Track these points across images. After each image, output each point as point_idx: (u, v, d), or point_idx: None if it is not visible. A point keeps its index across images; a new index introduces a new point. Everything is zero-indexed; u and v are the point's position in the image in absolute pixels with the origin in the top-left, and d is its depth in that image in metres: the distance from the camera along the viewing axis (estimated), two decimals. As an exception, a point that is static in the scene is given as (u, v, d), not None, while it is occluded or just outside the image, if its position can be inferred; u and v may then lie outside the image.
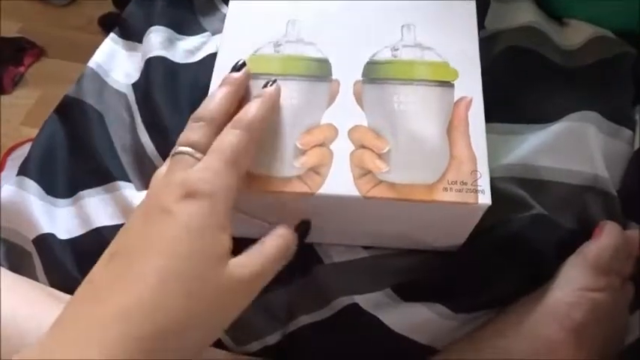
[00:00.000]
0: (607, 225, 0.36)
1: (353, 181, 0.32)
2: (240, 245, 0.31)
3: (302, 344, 0.37)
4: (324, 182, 0.32)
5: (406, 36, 0.36)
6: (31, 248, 0.40)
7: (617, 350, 0.36)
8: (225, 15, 0.46)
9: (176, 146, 0.31)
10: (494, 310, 0.36)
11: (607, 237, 0.35)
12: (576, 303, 0.34)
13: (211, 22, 0.47)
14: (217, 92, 0.33)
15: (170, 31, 0.46)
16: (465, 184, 0.32)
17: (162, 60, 0.43)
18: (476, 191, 0.31)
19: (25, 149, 0.44)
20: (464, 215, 0.33)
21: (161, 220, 0.27)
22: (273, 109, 0.33)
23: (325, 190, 0.32)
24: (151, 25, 0.45)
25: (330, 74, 0.35)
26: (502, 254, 0.35)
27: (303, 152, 0.33)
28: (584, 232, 0.36)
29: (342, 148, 0.33)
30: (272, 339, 0.38)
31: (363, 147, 0.33)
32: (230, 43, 0.37)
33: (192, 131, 0.31)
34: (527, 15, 0.43)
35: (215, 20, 0.47)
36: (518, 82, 0.41)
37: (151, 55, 0.44)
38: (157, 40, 0.44)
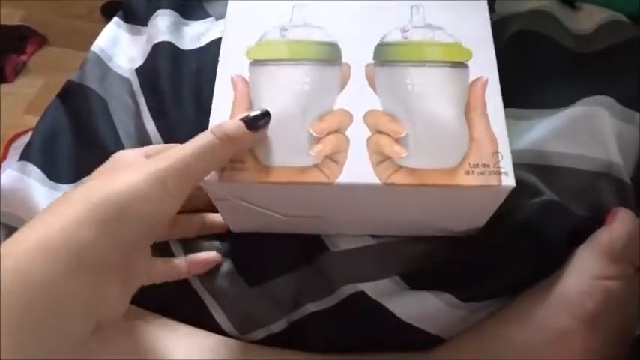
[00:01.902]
0: (620, 212, 0.35)
1: (372, 169, 0.31)
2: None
3: (307, 332, 0.37)
4: (343, 170, 0.31)
5: (415, 16, 0.35)
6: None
7: (629, 340, 0.35)
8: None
9: None
10: (504, 298, 0.36)
11: (620, 224, 0.34)
12: (588, 292, 0.33)
13: (214, 6, 0.46)
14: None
15: (175, 14, 0.45)
16: (487, 166, 0.31)
17: (168, 46, 0.43)
18: (499, 173, 0.31)
19: (28, 138, 0.43)
20: (487, 198, 0.32)
21: None
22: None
23: (344, 179, 0.31)
24: (157, 9, 0.45)
25: (341, 58, 0.34)
26: (512, 242, 0.35)
27: (318, 140, 0.32)
28: (597, 220, 0.35)
29: (357, 133, 0.32)
30: (277, 327, 0.37)
31: (380, 132, 0.32)
32: (234, 29, 0.36)
33: None
34: None
35: (218, 5, 0.47)
36: (528, 67, 0.40)
37: (158, 41, 0.43)
38: (163, 25, 0.44)
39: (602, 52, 0.41)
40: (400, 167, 0.31)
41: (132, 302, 0.37)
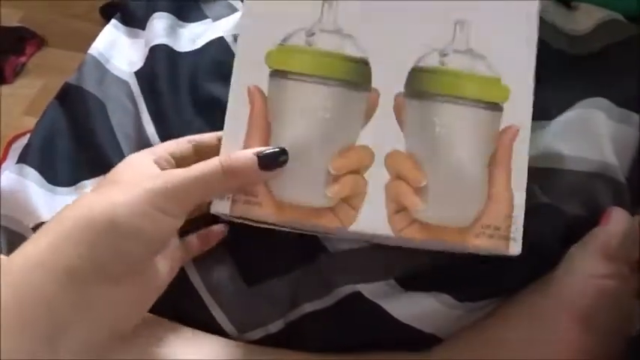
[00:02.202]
0: (615, 211, 0.35)
1: (387, 218, 0.30)
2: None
3: (305, 333, 0.37)
4: (357, 217, 0.30)
5: (458, 36, 0.32)
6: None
7: (626, 339, 0.35)
8: (227, 2, 0.46)
9: None
10: (500, 298, 0.36)
11: (615, 223, 0.34)
12: (584, 290, 0.33)
13: (212, 7, 0.46)
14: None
15: (172, 17, 0.45)
16: (498, 229, 0.30)
17: (165, 48, 0.43)
18: (508, 239, 0.30)
19: (27, 140, 0.43)
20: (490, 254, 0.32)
21: None
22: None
23: (358, 228, 0.30)
24: (154, 11, 0.45)
25: (370, 82, 0.31)
26: None
27: (335, 179, 0.31)
28: (592, 220, 0.35)
29: (377, 176, 0.31)
30: (274, 327, 0.37)
31: (399, 177, 0.31)
32: (252, 27, 0.32)
33: None
34: None
35: (216, 6, 0.46)
36: None
37: (155, 43, 0.43)
38: (160, 27, 0.44)
39: (598, 52, 0.41)
40: (414, 220, 0.31)
41: None
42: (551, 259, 0.35)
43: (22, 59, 1.22)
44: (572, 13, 0.43)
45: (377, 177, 0.31)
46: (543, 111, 0.38)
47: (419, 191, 0.31)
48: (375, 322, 0.36)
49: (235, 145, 0.31)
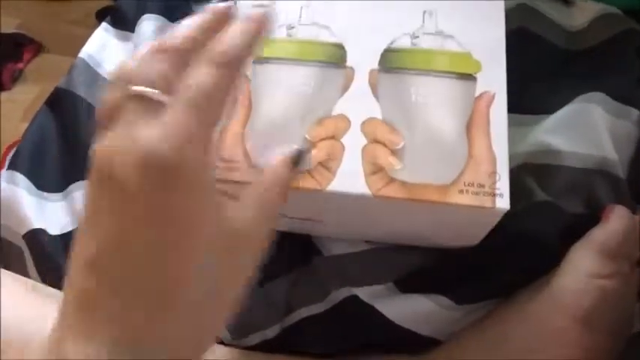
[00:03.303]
0: (615, 209, 0.34)
1: (364, 178, 0.31)
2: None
3: (302, 337, 0.37)
4: (334, 178, 0.31)
5: (427, 22, 0.34)
6: (22, 244, 0.39)
7: (626, 338, 0.35)
8: (217, 2, 0.45)
9: (124, 83, 0.23)
10: (499, 299, 0.36)
11: (615, 221, 0.34)
12: (584, 290, 0.33)
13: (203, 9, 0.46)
14: (190, 20, 0.25)
15: (162, 19, 0.45)
16: (483, 186, 0.30)
17: None
18: (494, 195, 0.30)
19: (23, 146, 0.43)
20: (480, 218, 0.31)
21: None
22: (260, 40, 0.25)
23: (334, 187, 0.31)
24: (144, 14, 0.44)
25: (345, 61, 0.33)
26: (505, 244, 0.34)
27: (312, 145, 0.32)
28: (592, 217, 0.35)
29: (353, 141, 0.31)
30: (271, 332, 0.37)
31: (376, 141, 0.32)
32: None
33: (152, 64, 0.23)
34: None
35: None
36: (519, 70, 0.39)
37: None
38: (149, 29, 0.43)
39: (595, 47, 0.40)
40: (393, 180, 0.31)
41: None
42: (549, 259, 0.34)
43: (20, 65, 1.22)
44: (569, 8, 0.43)
45: (354, 141, 0.32)
46: (540, 106, 0.37)
47: (396, 153, 0.31)
48: (372, 325, 0.35)
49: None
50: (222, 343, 0.37)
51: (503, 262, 0.34)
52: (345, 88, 0.33)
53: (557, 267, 0.34)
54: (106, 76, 0.44)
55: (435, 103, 0.32)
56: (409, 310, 0.35)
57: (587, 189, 0.35)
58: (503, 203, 0.30)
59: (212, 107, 0.23)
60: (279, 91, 0.33)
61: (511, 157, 0.35)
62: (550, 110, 0.38)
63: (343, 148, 0.31)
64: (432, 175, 0.31)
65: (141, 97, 0.22)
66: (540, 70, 0.39)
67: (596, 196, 0.35)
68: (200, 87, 0.23)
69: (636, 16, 0.41)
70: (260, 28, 0.26)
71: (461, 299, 0.35)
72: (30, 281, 0.39)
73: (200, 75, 0.23)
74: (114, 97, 0.23)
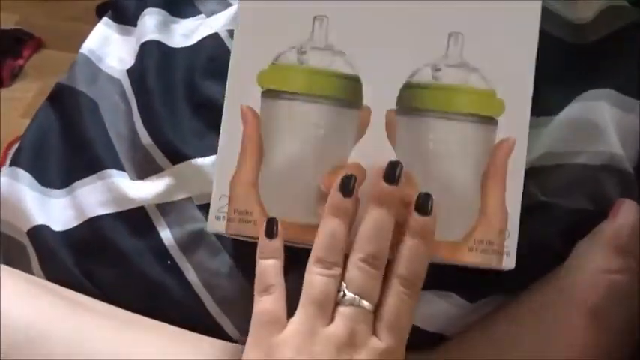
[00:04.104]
0: (624, 204, 0.34)
1: None
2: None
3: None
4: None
5: (452, 49, 0.31)
6: (26, 240, 0.39)
7: (637, 334, 0.34)
8: None
9: (347, 291, 0.29)
10: (507, 296, 0.35)
11: (624, 216, 0.33)
12: (593, 286, 0.32)
13: (205, 3, 0.45)
14: (377, 223, 0.29)
15: (164, 12, 0.44)
16: (492, 243, 0.30)
17: (156, 44, 0.42)
18: (501, 253, 0.30)
19: (23, 143, 0.43)
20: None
21: None
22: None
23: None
24: (145, 8, 0.44)
25: (361, 99, 0.31)
26: None
27: (327, 196, 0.30)
28: (601, 213, 0.34)
29: (368, 193, 0.30)
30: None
31: None
32: (245, 44, 0.32)
33: (369, 277, 0.29)
34: None
35: (209, 1, 0.46)
36: None
37: (146, 40, 0.42)
38: (151, 23, 0.43)
39: (600, 40, 0.39)
40: None
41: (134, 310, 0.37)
42: (555, 256, 0.34)
43: (20, 62, 1.21)
44: (574, 2, 0.42)
45: (368, 193, 0.30)
46: (544, 106, 0.36)
47: (409, 206, 0.30)
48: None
49: (230, 164, 0.32)
50: (229, 339, 0.37)
51: None
52: (362, 131, 0.31)
53: (566, 263, 0.34)
54: (107, 70, 0.44)
55: (453, 152, 0.31)
56: (418, 307, 0.34)
57: (593, 185, 0.35)
58: (510, 262, 0.30)
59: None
60: (291, 134, 0.31)
61: None
62: (556, 111, 0.37)
63: (358, 201, 0.30)
64: (444, 232, 0.30)
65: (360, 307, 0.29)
66: (546, 67, 0.38)
67: (603, 192, 0.35)
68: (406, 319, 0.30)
69: (641, 6, 0.41)
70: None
71: (468, 295, 0.35)
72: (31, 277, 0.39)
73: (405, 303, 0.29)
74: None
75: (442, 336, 0.35)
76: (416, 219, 0.29)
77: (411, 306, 0.29)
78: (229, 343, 0.37)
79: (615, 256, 0.33)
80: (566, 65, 0.39)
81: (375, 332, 0.29)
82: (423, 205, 0.30)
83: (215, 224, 0.32)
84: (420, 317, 0.35)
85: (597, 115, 0.36)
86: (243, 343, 0.37)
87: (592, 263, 0.33)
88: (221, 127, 0.32)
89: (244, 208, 0.31)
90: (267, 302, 0.30)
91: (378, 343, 0.28)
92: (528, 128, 0.31)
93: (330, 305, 0.29)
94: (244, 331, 0.37)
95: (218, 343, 0.36)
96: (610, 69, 0.38)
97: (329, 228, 0.29)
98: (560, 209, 0.35)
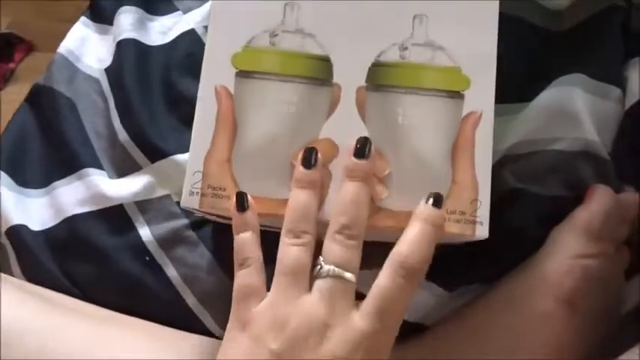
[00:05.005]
0: (598, 189, 0.34)
1: None
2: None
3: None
4: (322, 207, 0.30)
5: (417, 30, 0.32)
6: (4, 240, 0.39)
7: (615, 318, 0.34)
8: None
9: (324, 264, 0.28)
10: (485, 284, 0.35)
11: (598, 202, 0.33)
12: (568, 271, 0.33)
13: (182, 0, 0.45)
14: (349, 195, 0.29)
15: (140, 11, 0.44)
16: (464, 213, 0.30)
17: (133, 42, 0.42)
18: (474, 222, 0.30)
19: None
20: (458, 239, 0.32)
21: None
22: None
23: (322, 217, 0.30)
24: (121, 6, 0.44)
25: (332, 77, 0.32)
26: None
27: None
28: (577, 199, 0.34)
29: (340, 168, 0.31)
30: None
31: None
32: (219, 29, 0.33)
33: (345, 248, 0.28)
34: None
35: None
36: (503, 56, 0.39)
37: (122, 38, 0.42)
38: (127, 22, 0.43)
39: (576, 27, 0.39)
40: (380, 209, 0.30)
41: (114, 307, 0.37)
42: (531, 243, 0.34)
43: (11, 65, 1.21)
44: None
45: (340, 169, 0.31)
46: (518, 92, 0.37)
47: (382, 180, 0.31)
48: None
49: (204, 142, 0.32)
50: (210, 334, 0.37)
51: (484, 250, 0.34)
52: (332, 107, 0.32)
53: (541, 249, 0.34)
54: (85, 70, 0.44)
55: (422, 125, 0.31)
56: None
57: (568, 171, 0.35)
58: (483, 231, 0.30)
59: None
60: (263, 111, 0.32)
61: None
62: (531, 97, 0.37)
63: (331, 175, 0.31)
64: (417, 203, 0.30)
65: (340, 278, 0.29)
66: (521, 54, 0.38)
67: (579, 178, 0.35)
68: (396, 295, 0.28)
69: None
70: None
71: (448, 284, 0.35)
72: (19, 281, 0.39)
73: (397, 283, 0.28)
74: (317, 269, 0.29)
75: (421, 325, 0.36)
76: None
77: (406, 291, 0.28)
78: (209, 339, 0.37)
79: (589, 241, 0.33)
80: (541, 52, 0.39)
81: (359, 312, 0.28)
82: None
83: (189, 200, 0.32)
84: None
85: (572, 101, 0.36)
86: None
87: (566, 249, 0.33)
88: (196, 107, 0.33)
89: (218, 184, 0.31)
90: (243, 276, 0.29)
91: (358, 323, 0.27)
92: (494, 101, 0.32)
93: (305, 274, 0.28)
94: (224, 325, 0.37)
95: (197, 338, 0.36)
96: (584, 55, 0.38)
97: (295, 200, 0.29)
98: (535, 196, 0.35)
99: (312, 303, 0.28)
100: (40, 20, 1.36)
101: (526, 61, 0.38)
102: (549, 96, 0.37)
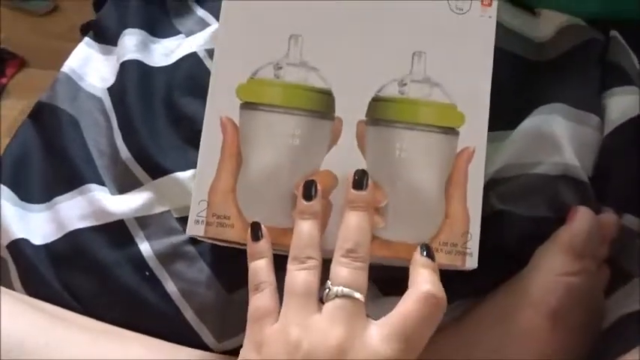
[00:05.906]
0: (579, 210, 0.36)
1: None
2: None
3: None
4: (322, 236, 0.31)
5: (416, 66, 0.34)
6: (6, 254, 0.40)
7: (596, 332, 0.36)
8: (199, 17, 0.46)
9: (332, 286, 0.29)
10: (471, 300, 0.37)
11: (579, 221, 0.35)
12: (551, 288, 0.34)
13: (184, 23, 0.47)
14: (353, 223, 0.30)
15: (144, 33, 0.46)
16: (455, 245, 0.32)
17: (136, 63, 0.43)
18: (464, 254, 0.32)
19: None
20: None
21: None
22: None
23: (323, 246, 0.31)
24: (125, 28, 0.45)
25: (334, 110, 0.33)
26: None
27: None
28: (558, 220, 0.36)
29: (340, 198, 0.32)
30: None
31: None
32: (225, 60, 0.34)
33: (352, 269, 0.29)
34: None
35: (188, 22, 0.47)
36: (492, 86, 0.40)
37: (125, 59, 0.43)
38: (131, 43, 0.44)
39: (557, 58, 0.41)
40: (376, 238, 0.32)
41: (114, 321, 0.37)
42: (514, 262, 0.36)
43: (3, 81, 1.21)
44: (534, 19, 0.44)
45: (340, 199, 0.32)
46: (503, 120, 0.38)
47: (379, 211, 0.32)
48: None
49: (209, 172, 0.33)
50: (207, 349, 0.38)
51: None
52: (334, 140, 0.33)
53: (526, 267, 0.35)
54: (88, 89, 0.45)
55: (419, 160, 0.33)
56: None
57: (550, 194, 0.37)
58: (472, 262, 0.32)
59: None
60: (267, 143, 0.33)
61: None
62: (514, 125, 0.39)
63: (331, 205, 0.32)
64: (412, 235, 0.32)
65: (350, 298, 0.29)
66: (505, 83, 0.40)
67: (560, 200, 0.37)
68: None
69: (602, 25, 0.43)
70: None
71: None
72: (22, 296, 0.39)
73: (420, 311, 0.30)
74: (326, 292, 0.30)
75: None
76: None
77: (432, 315, 0.29)
78: (206, 353, 0.37)
79: (572, 259, 0.34)
80: (523, 82, 0.40)
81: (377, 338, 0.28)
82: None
83: (194, 228, 0.33)
84: None
85: (553, 128, 0.38)
86: (221, 352, 0.38)
87: (550, 267, 0.34)
88: (202, 137, 0.34)
89: (222, 212, 0.33)
90: (257, 299, 0.30)
91: (378, 347, 0.27)
92: (486, 138, 0.33)
93: (313, 296, 0.29)
94: (222, 340, 0.38)
95: (195, 353, 0.37)
96: (563, 86, 0.40)
97: (299, 229, 0.31)
98: (519, 217, 0.36)
99: (323, 323, 0.28)
100: (33, 36, 1.36)
101: (512, 91, 0.40)
102: (532, 123, 0.38)
